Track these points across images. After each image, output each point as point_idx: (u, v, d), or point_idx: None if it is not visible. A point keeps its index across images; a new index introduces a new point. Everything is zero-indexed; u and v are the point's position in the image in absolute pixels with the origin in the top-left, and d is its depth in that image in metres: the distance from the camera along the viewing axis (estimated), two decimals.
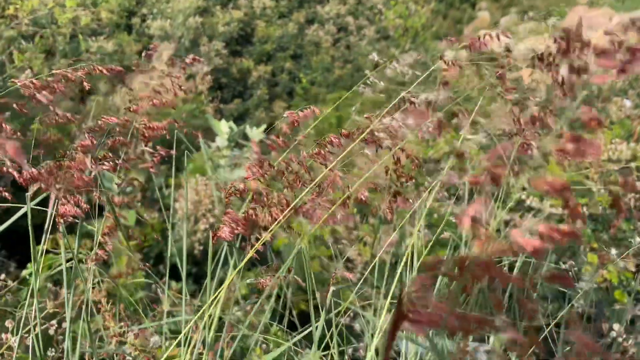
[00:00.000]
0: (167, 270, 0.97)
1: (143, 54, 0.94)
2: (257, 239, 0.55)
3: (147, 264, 1.92)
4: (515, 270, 0.96)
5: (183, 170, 2.51)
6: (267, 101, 6.56)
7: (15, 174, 0.52)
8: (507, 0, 6.80)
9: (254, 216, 0.54)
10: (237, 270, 0.52)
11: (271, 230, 0.52)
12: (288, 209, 0.53)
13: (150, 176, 2.48)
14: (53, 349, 0.77)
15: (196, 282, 1.96)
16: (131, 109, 0.69)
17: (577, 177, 1.62)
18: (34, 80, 0.56)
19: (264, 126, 2.65)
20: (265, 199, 0.53)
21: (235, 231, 0.54)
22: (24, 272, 1.61)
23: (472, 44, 0.57)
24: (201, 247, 1.82)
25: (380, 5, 6.21)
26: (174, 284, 1.59)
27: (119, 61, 5.16)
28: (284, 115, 0.72)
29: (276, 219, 0.53)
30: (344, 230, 1.73)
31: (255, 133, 2.55)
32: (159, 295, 1.25)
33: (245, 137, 2.98)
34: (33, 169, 0.52)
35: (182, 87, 0.70)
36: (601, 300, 1.51)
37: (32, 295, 0.64)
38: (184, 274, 0.83)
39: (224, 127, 2.06)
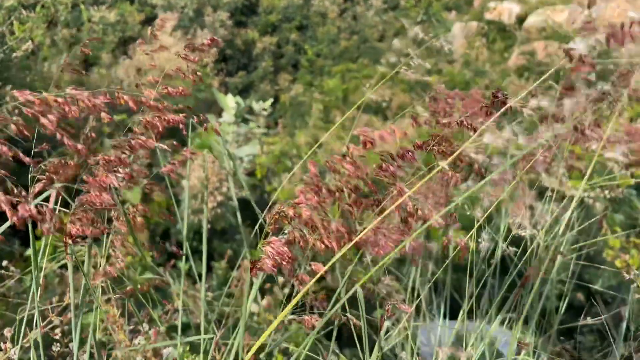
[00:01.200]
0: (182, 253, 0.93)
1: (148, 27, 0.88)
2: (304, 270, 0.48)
3: (154, 242, 1.89)
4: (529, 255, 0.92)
5: (189, 146, 2.46)
6: (272, 73, 6.46)
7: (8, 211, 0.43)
8: None
9: (301, 244, 0.47)
10: (281, 316, 0.45)
11: (328, 267, 0.45)
12: (349, 243, 0.45)
13: (155, 152, 2.42)
14: (58, 344, 0.74)
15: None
16: (142, 100, 0.62)
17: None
18: (38, 98, 0.49)
19: (270, 100, 2.58)
20: (321, 229, 0.46)
21: (279, 265, 0.47)
22: (29, 251, 1.58)
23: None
24: (208, 225, 1.78)
25: None
26: (181, 264, 1.56)
27: (122, 31, 5.06)
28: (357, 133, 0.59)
29: (329, 249, 0.46)
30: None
31: (262, 107, 2.49)
32: (167, 278, 1.21)
33: (251, 111, 2.92)
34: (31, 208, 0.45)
35: (197, 72, 0.64)
36: (620, 285, 1.47)
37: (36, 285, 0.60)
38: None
39: (230, 102, 1.99)
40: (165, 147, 0.66)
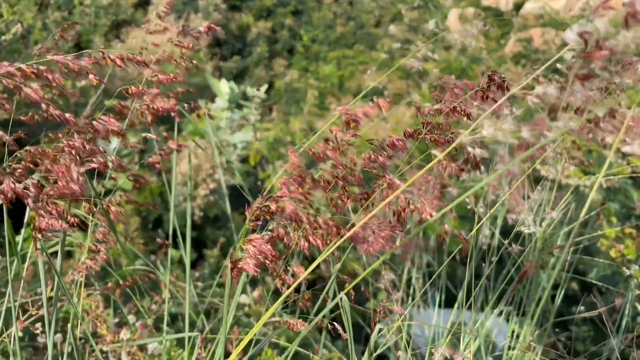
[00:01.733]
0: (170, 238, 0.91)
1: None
2: (286, 269, 0.45)
3: (146, 230, 1.87)
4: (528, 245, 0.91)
5: (181, 132, 2.42)
6: (267, 59, 6.39)
7: None
8: None
9: (286, 242, 0.44)
10: (264, 318, 0.42)
11: (311, 269, 0.42)
12: (337, 239, 0.41)
13: (147, 138, 2.38)
14: (43, 334, 0.72)
15: (196, 248, 1.91)
16: (130, 92, 0.59)
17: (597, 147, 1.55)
18: (23, 67, 0.46)
19: (265, 86, 2.55)
20: (307, 225, 0.43)
21: (262, 265, 0.43)
22: (18, 238, 1.55)
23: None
24: (201, 213, 1.76)
25: None
26: (173, 252, 1.54)
27: (114, 14, 4.98)
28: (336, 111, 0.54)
29: (315, 246, 0.43)
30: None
31: (256, 93, 2.45)
32: (158, 266, 1.19)
33: (245, 97, 2.89)
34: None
35: (192, 60, 0.61)
36: (615, 274, 1.47)
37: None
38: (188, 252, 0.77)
39: (224, 88, 1.96)
40: (153, 135, 0.63)
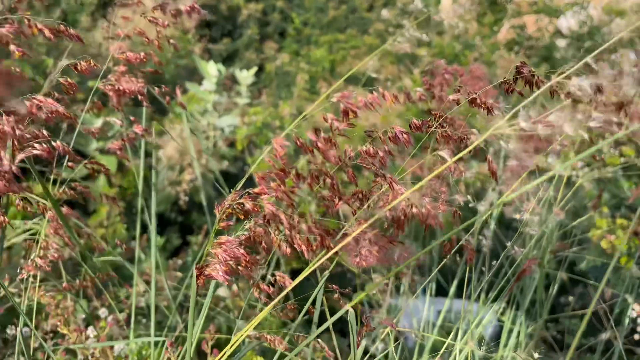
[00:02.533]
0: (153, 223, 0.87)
1: None
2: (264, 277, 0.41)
3: (130, 214, 1.82)
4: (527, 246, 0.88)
5: (167, 114, 2.37)
6: (258, 41, 6.29)
7: None
8: None
9: (263, 246, 0.39)
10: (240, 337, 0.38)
11: (297, 282, 0.37)
12: (323, 252, 0.36)
13: (131, 121, 2.33)
14: (13, 326, 0.68)
15: (182, 233, 1.87)
16: (80, 68, 0.54)
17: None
18: None
19: (255, 69, 2.49)
20: (288, 229, 0.37)
21: (234, 272, 0.39)
22: None
23: None
24: (187, 198, 1.72)
25: None
26: (158, 238, 1.50)
27: None
28: (332, 98, 0.48)
29: (297, 251, 0.38)
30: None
31: (245, 76, 2.40)
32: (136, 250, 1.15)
33: (234, 79, 2.83)
34: None
35: (170, 40, 0.57)
36: (605, 265, 1.45)
37: None
38: None
39: (212, 70, 1.91)
40: (117, 120, 0.59)
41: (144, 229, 1.66)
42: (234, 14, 6.11)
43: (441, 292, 1.41)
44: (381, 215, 0.37)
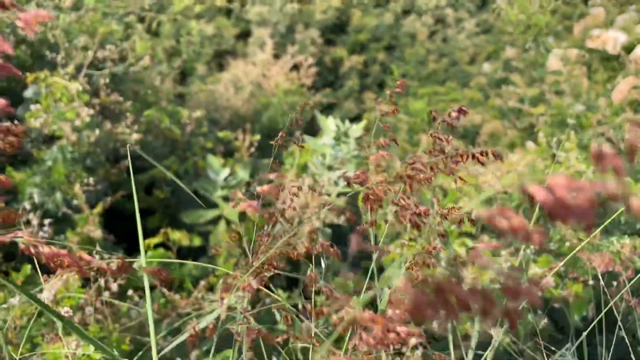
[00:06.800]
0: None
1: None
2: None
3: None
4: None
5: (283, 164, 2.46)
6: (358, 92, 6.44)
7: None
8: None
9: None
10: None
11: None
12: None
13: (256, 170, 2.44)
14: None
15: (289, 284, 1.90)
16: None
17: None
18: None
19: (364, 122, 2.53)
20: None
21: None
22: None
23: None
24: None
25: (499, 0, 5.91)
26: (281, 292, 1.53)
27: (217, 44, 5.23)
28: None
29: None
30: None
31: (355, 129, 2.45)
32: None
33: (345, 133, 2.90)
34: None
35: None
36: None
37: None
38: None
39: (331, 125, 1.97)
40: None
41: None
42: (336, 66, 6.33)
43: None
44: None
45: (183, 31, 4.96)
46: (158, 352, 1.24)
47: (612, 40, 5.74)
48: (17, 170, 1.93)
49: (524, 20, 4.43)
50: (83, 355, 0.65)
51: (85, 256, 0.36)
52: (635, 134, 0.25)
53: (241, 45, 5.44)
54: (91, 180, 1.90)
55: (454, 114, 0.77)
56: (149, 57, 2.34)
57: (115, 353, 0.53)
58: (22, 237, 0.34)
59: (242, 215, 1.74)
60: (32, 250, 0.34)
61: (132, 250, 1.87)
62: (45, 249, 0.34)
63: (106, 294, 1.03)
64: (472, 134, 4.82)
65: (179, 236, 1.65)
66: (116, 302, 1.04)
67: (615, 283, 1.44)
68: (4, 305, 0.84)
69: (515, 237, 0.26)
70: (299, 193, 1.72)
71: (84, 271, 0.36)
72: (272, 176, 0.94)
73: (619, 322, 0.94)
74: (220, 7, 5.47)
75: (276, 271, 0.70)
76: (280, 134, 0.84)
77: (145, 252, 1.47)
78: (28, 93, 2.10)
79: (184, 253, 1.85)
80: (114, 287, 1.06)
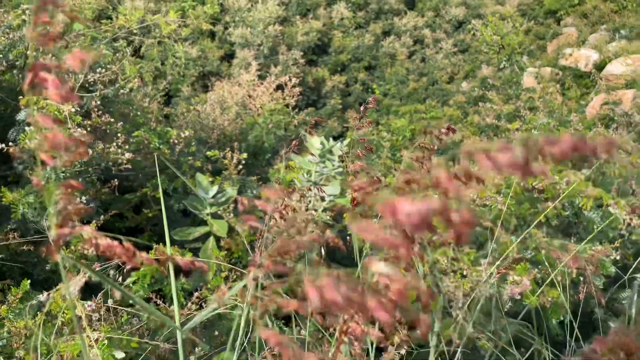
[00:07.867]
0: None
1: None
2: None
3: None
4: None
5: (268, 182, 2.53)
6: (340, 110, 6.57)
7: None
8: (596, 17, 6.49)
9: None
10: None
11: None
12: None
13: (243, 187, 2.52)
14: None
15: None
16: None
17: None
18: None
19: (348, 140, 2.63)
20: None
21: None
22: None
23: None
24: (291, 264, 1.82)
25: (474, 21, 6.11)
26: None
27: (202, 66, 5.33)
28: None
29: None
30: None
31: (339, 146, 2.53)
32: None
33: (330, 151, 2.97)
34: None
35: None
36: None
37: None
38: None
39: (315, 142, 2.06)
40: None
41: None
42: (318, 86, 6.46)
43: None
44: None
45: (169, 53, 5.05)
46: (157, 356, 1.29)
47: (585, 58, 5.97)
48: (10, 190, 1.98)
49: (497, 40, 4.61)
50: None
51: (131, 247, 0.44)
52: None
53: (225, 67, 5.54)
54: (83, 199, 1.95)
55: (443, 130, 0.88)
56: (139, 80, 2.41)
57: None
58: (87, 231, 0.41)
59: (230, 232, 1.80)
60: (93, 241, 0.42)
61: (124, 268, 1.92)
62: (102, 241, 0.42)
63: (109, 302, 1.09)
64: (451, 150, 4.95)
65: (171, 252, 1.72)
66: (119, 308, 1.10)
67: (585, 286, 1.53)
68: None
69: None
70: (287, 209, 1.81)
71: (132, 260, 0.43)
72: (264, 193, 1.02)
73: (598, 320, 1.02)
74: (204, 30, 5.57)
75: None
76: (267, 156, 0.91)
77: (139, 267, 1.53)
78: (21, 116, 2.15)
79: (176, 268, 1.90)
80: (117, 295, 1.12)
